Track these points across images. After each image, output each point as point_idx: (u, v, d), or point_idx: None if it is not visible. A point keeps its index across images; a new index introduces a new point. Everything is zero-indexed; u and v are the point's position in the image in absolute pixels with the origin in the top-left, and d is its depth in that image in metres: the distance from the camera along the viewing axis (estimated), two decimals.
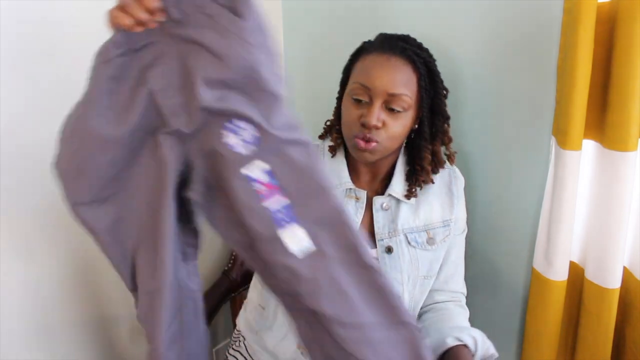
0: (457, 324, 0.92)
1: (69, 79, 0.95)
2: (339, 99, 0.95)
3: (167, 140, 0.59)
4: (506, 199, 1.13)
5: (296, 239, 0.61)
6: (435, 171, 0.95)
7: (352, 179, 0.94)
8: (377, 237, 0.92)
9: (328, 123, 1.00)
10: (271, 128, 0.58)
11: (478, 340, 0.86)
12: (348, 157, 0.96)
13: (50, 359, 1.01)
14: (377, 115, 0.84)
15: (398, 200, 0.94)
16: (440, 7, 1.11)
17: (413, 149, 0.94)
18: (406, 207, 0.94)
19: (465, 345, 0.84)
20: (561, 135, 0.93)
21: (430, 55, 0.91)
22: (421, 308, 0.98)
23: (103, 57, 0.57)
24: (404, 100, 0.85)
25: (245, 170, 0.58)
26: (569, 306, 1.04)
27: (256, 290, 1.03)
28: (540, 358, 1.06)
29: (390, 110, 0.86)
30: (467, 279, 1.04)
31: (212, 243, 1.27)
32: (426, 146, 0.92)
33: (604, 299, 0.95)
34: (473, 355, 0.84)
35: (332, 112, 0.99)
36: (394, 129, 0.86)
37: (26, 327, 0.97)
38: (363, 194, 0.93)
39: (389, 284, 0.65)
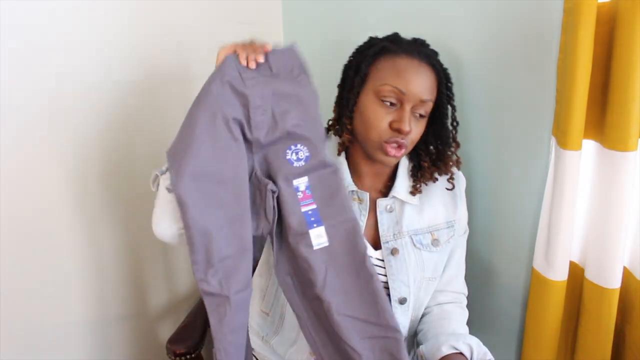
0: (454, 330, 0.92)
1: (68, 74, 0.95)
2: (351, 97, 0.90)
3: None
4: (506, 199, 1.13)
5: (317, 236, 0.80)
6: (441, 172, 0.95)
7: (354, 180, 0.94)
8: (382, 239, 0.92)
9: (331, 121, 0.97)
10: (317, 154, 0.81)
11: (474, 347, 0.85)
12: (349, 158, 0.95)
13: (51, 359, 1.01)
14: (409, 120, 0.85)
15: (402, 202, 0.93)
16: (440, 7, 1.11)
17: (419, 149, 0.95)
18: (410, 209, 0.93)
19: (460, 353, 0.84)
20: (561, 135, 0.93)
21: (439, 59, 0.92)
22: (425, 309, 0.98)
23: (222, 73, 0.79)
24: (429, 106, 0.88)
25: (295, 182, 0.81)
26: (569, 306, 1.04)
27: (258, 297, 1.00)
28: (540, 358, 1.06)
29: (415, 115, 0.87)
30: (467, 279, 1.04)
31: None
32: (448, 150, 0.94)
33: (604, 299, 0.95)
34: None
35: (332, 112, 0.96)
36: (416, 133, 0.88)
37: (26, 327, 0.97)
38: (366, 196, 0.93)
39: (381, 289, 0.80)
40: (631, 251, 0.98)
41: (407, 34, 1.11)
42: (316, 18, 1.32)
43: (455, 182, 0.98)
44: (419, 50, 0.88)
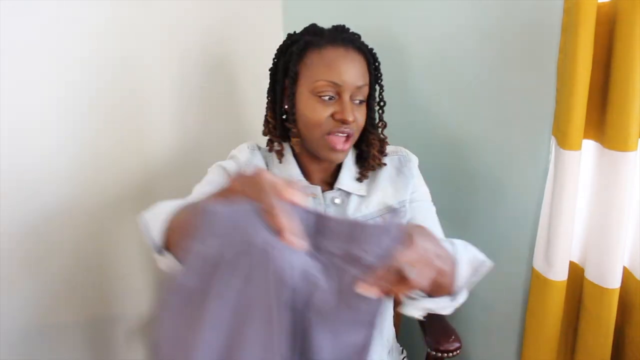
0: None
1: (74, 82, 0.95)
2: (288, 101, 0.89)
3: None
4: (506, 199, 1.13)
5: None
6: (383, 153, 0.94)
7: (305, 176, 0.93)
8: None
9: (268, 129, 0.94)
10: None
11: (457, 244, 0.75)
12: (296, 156, 0.94)
13: (52, 358, 1.01)
14: (351, 109, 0.85)
15: (348, 193, 0.93)
16: (440, 7, 1.11)
17: (361, 137, 0.93)
18: (355, 198, 0.93)
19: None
20: (561, 135, 0.93)
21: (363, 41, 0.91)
22: None
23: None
24: (365, 90, 0.88)
25: None
26: (568, 306, 1.04)
27: None
28: (540, 358, 1.06)
29: (355, 102, 0.87)
30: None
31: None
32: (374, 132, 0.93)
33: (603, 299, 0.95)
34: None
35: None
36: (360, 120, 0.88)
37: (26, 328, 0.97)
38: (318, 190, 0.92)
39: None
40: (631, 251, 0.97)
41: (407, 33, 1.12)
42: (316, 18, 1.32)
43: (404, 163, 0.96)
44: (342, 37, 0.87)
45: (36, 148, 0.93)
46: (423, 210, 0.95)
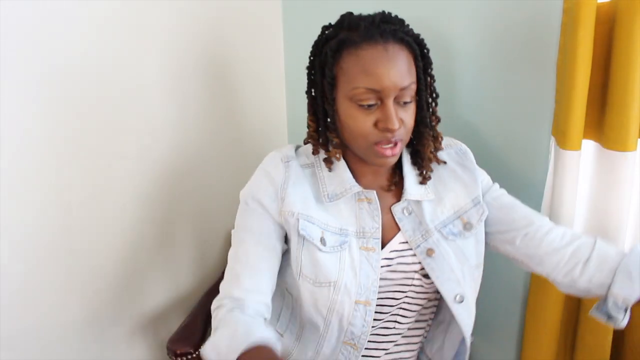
0: (615, 254, 0.81)
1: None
2: (329, 108, 0.82)
3: None
4: None
5: None
6: (438, 150, 0.88)
7: (357, 181, 0.87)
8: (413, 244, 0.85)
9: (311, 134, 0.88)
10: None
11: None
12: (346, 159, 0.88)
13: (51, 358, 1.01)
14: (396, 116, 0.77)
15: (418, 201, 0.87)
16: (440, 8, 1.11)
17: (414, 135, 0.86)
18: (428, 205, 0.87)
19: None
20: (561, 135, 0.93)
21: (410, 28, 0.82)
22: (545, 266, 0.86)
23: None
24: (412, 89, 0.79)
25: None
26: (568, 306, 1.04)
27: (272, 319, 0.95)
28: (540, 358, 1.06)
29: (401, 103, 0.78)
30: None
31: (211, 245, 1.27)
32: (427, 132, 0.85)
33: None
34: None
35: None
36: (408, 122, 0.80)
37: (26, 328, 0.97)
38: (373, 194, 0.86)
39: None
40: None
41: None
42: (316, 18, 1.31)
43: (462, 157, 0.91)
44: (381, 30, 0.76)
45: (32, 148, 0.93)
46: (502, 196, 0.92)
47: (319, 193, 0.86)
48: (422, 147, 0.85)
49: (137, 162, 1.10)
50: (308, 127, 0.88)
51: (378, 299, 0.85)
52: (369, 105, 0.77)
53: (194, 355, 1.01)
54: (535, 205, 1.06)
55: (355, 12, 1.24)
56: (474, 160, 0.92)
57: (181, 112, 1.16)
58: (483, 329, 1.00)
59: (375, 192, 0.86)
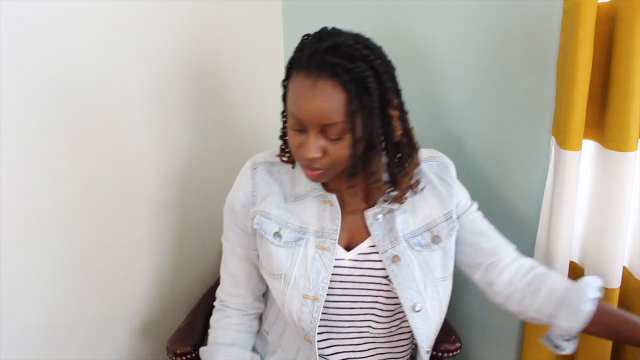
0: (553, 285, 0.86)
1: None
2: (283, 114, 0.87)
3: None
4: (506, 199, 1.13)
5: None
6: (402, 194, 0.86)
7: (326, 183, 0.89)
8: (380, 248, 0.87)
9: (280, 137, 0.91)
10: None
11: (598, 283, 0.85)
12: None
13: (52, 358, 1.01)
14: (314, 147, 0.77)
15: (391, 209, 0.88)
16: (440, 7, 1.11)
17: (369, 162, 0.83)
18: (401, 212, 0.89)
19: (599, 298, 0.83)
20: (561, 135, 0.93)
21: (371, 60, 0.76)
22: (501, 295, 0.91)
23: None
24: (339, 127, 0.76)
25: None
26: None
27: (263, 318, 1.02)
28: (540, 358, 1.06)
29: (328, 137, 0.77)
30: (468, 278, 1.03)
31: (211, 245, 1.27)
32: (374, 165, 0.83)
33: (603, 298, 0.95)
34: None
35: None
36: (336, 153, 0.78)
37: (26, 328, 0.97)
38: (333, 197, 0.88)
39: None
40: (631, 251, 0.98)
41: (406, 34, 1.11)
42: (316, 18, 1.32)
43: (443, 170, 0.92)
44: (320, 60, 0.74)
45: (31, 149, 0.93)
46: (475, 220, 0.95)
47: (288, 192, 0.91)
48: (370, 178, 0.84)
49: (137, 163, 1.10)
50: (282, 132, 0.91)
51: (347, 301, 0.89)
52: (299, 130, 0.79)
53: (194, 355, 1.01)
54: (535, 205, 1.06)
55: (353, 12, 1.25)
56: (455, 176, 0.94)
57: (181, 112, 1.16)
58: (483, 329, 1.00)
59: (335, 195, 0.88)
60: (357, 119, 0.76)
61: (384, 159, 0.84)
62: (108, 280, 1.09)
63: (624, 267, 0.98)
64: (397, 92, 0.83)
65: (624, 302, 0.98)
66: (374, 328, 0.91)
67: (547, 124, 1.01)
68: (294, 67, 0.79)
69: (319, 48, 0.75)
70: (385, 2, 1.18)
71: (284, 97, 0.83)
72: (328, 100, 0.74)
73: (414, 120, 1.10)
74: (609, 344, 0.98)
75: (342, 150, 0.78)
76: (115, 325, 1.13)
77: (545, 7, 0.97)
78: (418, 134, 1.11)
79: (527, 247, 1.11)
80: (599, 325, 0.82)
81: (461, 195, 0.94)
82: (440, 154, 0.95)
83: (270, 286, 0.91)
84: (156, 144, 1.13)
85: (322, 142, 0.78)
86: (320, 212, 0.89)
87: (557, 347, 0.86)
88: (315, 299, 0.86)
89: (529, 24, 1.01)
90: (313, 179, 0.83)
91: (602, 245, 0.94)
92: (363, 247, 0.89)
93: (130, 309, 1.16)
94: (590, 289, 0.83)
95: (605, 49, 0.88)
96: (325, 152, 0.78)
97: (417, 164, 0.87)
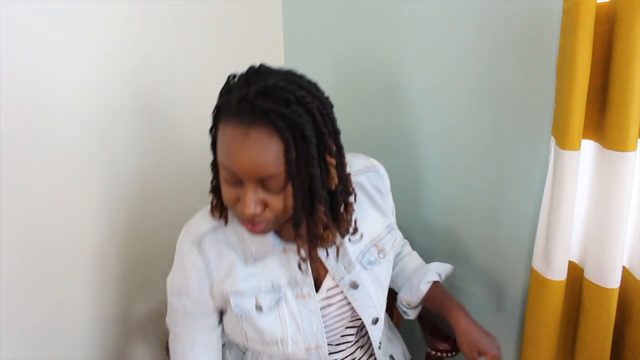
0: (415, 267, 1.04)
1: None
2: (213, 163, 0.78)
3: None
4: (506, 199, 1.13)
5: None
6: (343, 230, 0.81)
7: (279, 233, 0.84)
8: (337, 276, 0.85)
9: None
10: None
11: (440, 270, 1.02)
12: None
13: (52, 358, 1.01)
14: (253, 201, 0.69)
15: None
16: (439, 7, 1.11)
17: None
18: (346, 238, 0.86)
19: (435, 281, 1.00)
20: (560, 135, 0.93)
21: (307, 102, 0.69)
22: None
23: None
24: (278, 179, 0.69)
25: None
26: (568, 306, 1.04)
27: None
28: (540, 358, 1.06)
29: (267, 189, 0.71)
30: (468, 278, 1.04)
31: None
32: (319, 214, 0.75)
33: (603, 298, 0.95)
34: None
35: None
36: (278, 205, 0.72)
37: (26, 328, 0.97)
38: (294, 247, 0.82)
39: None
40: (630, 251, 0.98)
41: (405, 33, 1.11)
42: (316, 18, 1.32)
43: (379, 181, 0.90)
44: (252, 106, 0.66)
45: (41, 144, 0.93)
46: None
47: (244, 253, 0.83)
48: (314, 225, 0.76)
49: (132, 162, 1.10)
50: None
51: (336, 335, 0.90)
52: (234, 182, 0.71)
53: None
54: (535, 205, 1.06)
55: (352, 11, 1.25)
56: (389, 185, 0.94)
57: (181, 112, 1.16)
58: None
59: (295, 244, 0.80)
60: (296, 169, 0.69)
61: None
62: (108, 280, 1.10)
63: (624, 267, 0.98)
64: (336, 137, 0.74)
65: (624, 302, 0.98)
66: (349, 341, 0.95)
67: (546, 124, 1.01)
68: (221, 114, 0.71)
69: (248, 92, 0.67)
70: (384, 4, 1.18)
71: (213, 147, 0.75)
72: (264, 151, 0.67)
73: (413, 120, 1.11)
74: (608, 344, 0.98)
75: (283, 201, 0.72)
76: (115, 325, 1.13)
77: (544, 7, 0.97)
78: (417, 134, 1.12)
79: (527, 247, 1.11)
80: (428, 302, 1.01)
81: (391, 201, 0.95)
82: (374, 162, 0.92)
83: (262, 349, 0.86)
84: (157, 145, 1.13)
85: (261, 195, 0.70)
86: (284, 262, 0.84)
87: (403, 312, 1.05)
88: (317, 347, 0.85)
89: (529, 24, 1.01)
90: (255, 234, 0.76)
91: (602, 245, 0.94)
92: (328, 282, 0.87)
93: (130, 309, 1.16)
94: (431, 273, 1.00)
95: (605, 49, 0.88)
96: (265, 204, 0.71)
97: (353, 209, 0.81)
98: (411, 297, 1.01)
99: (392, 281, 0.99)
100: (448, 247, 1.24)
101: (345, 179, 0.78)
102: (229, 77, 0.73)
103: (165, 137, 1.15)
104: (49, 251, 0.98)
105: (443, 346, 1.02)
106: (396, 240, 0.93)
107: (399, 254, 1.08)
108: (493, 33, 1.06)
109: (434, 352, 1.03)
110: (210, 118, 0.74)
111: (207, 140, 0.74)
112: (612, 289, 0.94)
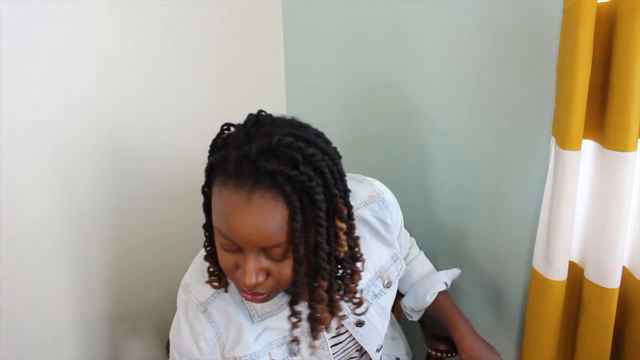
0: (422, 274, 1.02)
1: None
2: (205, 226, 0.70)
3: None
4: (506, 199, 1.13)
5: None
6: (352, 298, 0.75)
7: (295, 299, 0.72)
8: (343, 319, 0.81)
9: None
10: None
11: (447, 279, 1.00)
12: None
13: (52, 358, 1.01)
14: (255, 270, 0.62)
15: None
16: (439, 7, 1.11)
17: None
18: None
19: (442, 291, 0.98)
20: (561, 135, 0.93)
21: (316, 161, 0.61)
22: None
23: None
24: (282, 247, 0.62)
25: None
26: (568, 306, 1.04)
27: None
28: (540, 358, 1.06)
29: (270, 258, 0.64)
30: (468, 278, 1.04)
31: None
32: (323, 285, 0.68)
33: (603, 298, 0.95)
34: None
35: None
36: (281, 274, 0.65)
37: (26, 328, 0.97)
38: (303, 306, 0.73)
39: None
40: (631, 251, 0.98)
41: (405, 33, 1.11)
42: (316, 18, 1.32)
43: (384, 212, 0.85)
44: (256, 167, 0.58)
45: (30, 150, 0.93)
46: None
47: (249, 311, 0.77)
48: (314, 303, 0.69)
49: (130, 159, 1.10)
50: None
51: None
52: (232, 250, 0.64)
53: None
54: (536, 205, 1.06)
55: (356, 11, 1.25)
56: (396, 211, 0.88)
57: (181, 112, 1.16)
58: (483, 329, 1.00)
59: (305, 304, 0.73)
60: (300, 238, 0.62)
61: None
62: (108, 280, 1.09)
63: (624, 267, 0.98)
64: (346, 196, 0.67)
65: (624, 302, 0.98)
66: None
67: (546, 124, 1.01)
68: (216, 172, 0.62)
69: (250, 150, 0.58)
70: (384, 3, 1.18)
71: (206, 208, 0.67)
72: (269, 219, 0.59)
73: (413, 120, 1.11)
74: (608, 344, 0.98)
75: (287, 268, 0.64)
76: (115, 324, 1.13)
77: (545, 7, 0.97)
78: (417, 134, 1.12)
79: (527, 247, 1.11)
80: (433, 311, 1.00)
81: (401, 230, 0.91)
82: (379, 189, 0.85)
83: None
84: (157, 145, 1.12)
85: (263, 263, 0.63)
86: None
87: (407, 314, 1.04)
88: None
89: (529, 24, 1.01)
90: (255, 302, 0.70)
91: (602, 245, 0.94)
92: (333, 323, 0.83)
93: (131, 309, 1.16)
94: (438, 284, 0.98)
95: (605, 49, 0.88)
96: (268, 273, 0.64)
97: (360, 277, 0.73)
98: (416, 305, 1.01)
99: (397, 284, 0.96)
100: (448, 246, 1.24)
101: (354, 243, 0.70)
102: (222, 126, 0.65)
103: (161, 138, 1.15)
104: (48, 251, 0.98)
105: (443, 346, 1.02)
106: (402, 269, 0.89)
107: (406, 256, 1.03)
108: (493, 34, 1.06)
109: (434, 352, 1.03)
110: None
111: (204, 140, 0.69)
112: (613, 289, 0.94)
